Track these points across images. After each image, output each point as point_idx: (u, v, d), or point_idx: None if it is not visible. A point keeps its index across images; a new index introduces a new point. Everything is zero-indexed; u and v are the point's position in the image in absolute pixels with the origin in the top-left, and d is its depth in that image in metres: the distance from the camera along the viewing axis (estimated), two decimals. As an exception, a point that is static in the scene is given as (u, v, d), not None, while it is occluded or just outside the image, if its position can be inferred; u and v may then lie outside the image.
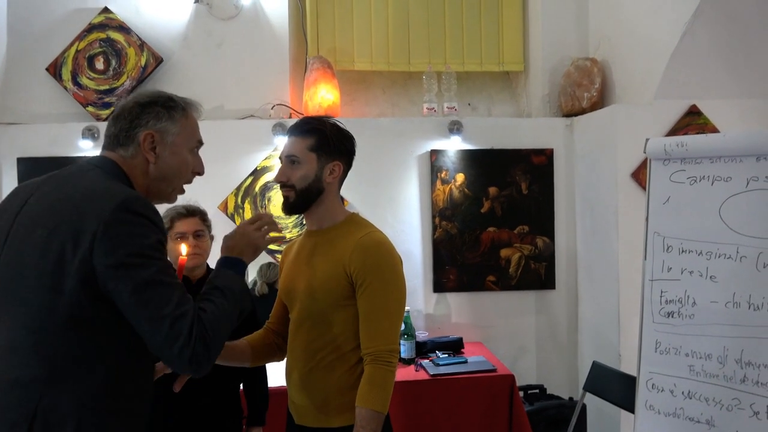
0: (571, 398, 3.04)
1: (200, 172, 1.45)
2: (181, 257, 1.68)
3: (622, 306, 2.87)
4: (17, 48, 3.24)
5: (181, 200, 2.11)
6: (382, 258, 1.61)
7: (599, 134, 3.08)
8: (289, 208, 1.67)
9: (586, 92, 3.26)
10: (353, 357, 1.61)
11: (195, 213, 2.07)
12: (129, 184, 1.31)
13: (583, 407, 2.72)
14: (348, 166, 1.70)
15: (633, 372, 2.54)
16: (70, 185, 1.23)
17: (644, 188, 2.81)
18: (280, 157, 1.69)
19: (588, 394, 2.62)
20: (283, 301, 1.78)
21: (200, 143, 1.44)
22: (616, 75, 3.25)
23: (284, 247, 2.01)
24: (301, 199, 1.64)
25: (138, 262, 1.15)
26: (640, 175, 2.82)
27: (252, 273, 3.21)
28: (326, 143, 1.64)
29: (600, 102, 3.27)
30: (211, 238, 2.13)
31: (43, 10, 3.28)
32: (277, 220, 1.60)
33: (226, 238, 1.45)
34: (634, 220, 2.80)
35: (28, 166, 3.09)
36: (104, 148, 1.35)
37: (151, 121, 1.32)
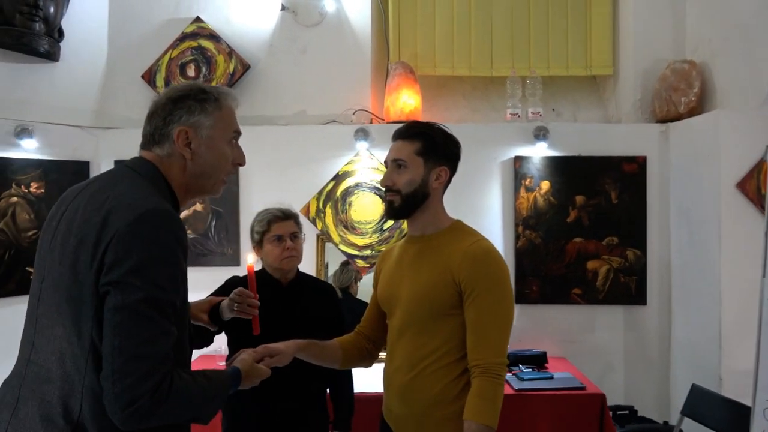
0: (665, 422, 2.85)
1: (241, 163, 1.37)
2: (248, 265, 1.68)
3: (724, 326, 2.66)
4: (116, 57, 3.42)
5: (275, 203, 2.16)
6: (493, 267, 1.57)
7: (700, 141, 2.88)
8: (393, 213, 1.65)
9: (683, 97, 3.07)
10: (458, 368, 1.57)
11: (291, 216, 2.09)
12: (167, 184, 1.26)
13: (680, 433, 2.54)
14: (453, 171, 1.68)
15: (736, 397, 2.35)
16: (104, 194, 1.18)
17: (752, 199, 2.61)
18: (385, 161, 1.68)
19: (685, 419, 2.45)
20: (380, 307, 1.76)
21: (238, 133, 1.35)
22: (717, 78, 3.05)
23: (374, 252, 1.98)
24: (406, 204, 1.61)
25: (130, 282, 1.08)
26: (747, 186, 2.62)
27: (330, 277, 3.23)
28: (434, 148, 1.62)
29: (698, 107, 3.07)
30: (302, 239, 2.15)
31: (140, 21, 3.44)
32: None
33: (244, 366, 1.38)
34: (740, 234, 2.60)
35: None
36: (141, 147, 1.30)
37: (184, 116, 1.26)
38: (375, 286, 1.83)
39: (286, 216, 2.07)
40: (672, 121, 3.14)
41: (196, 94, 1.28)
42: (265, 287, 2.07)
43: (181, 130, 1.26)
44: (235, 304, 1.63)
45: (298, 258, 2.08)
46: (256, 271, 2.11)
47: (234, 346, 2.03)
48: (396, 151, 1.63)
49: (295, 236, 2.07)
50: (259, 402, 1.99)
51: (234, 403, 2.04)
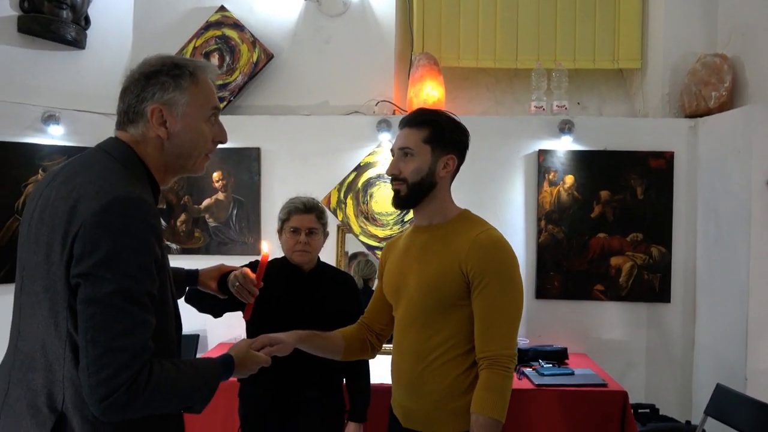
0: (688, 422, 2.81)
1: (222, 141, 1.30)
2: (263, 253, 1.63)
3: (751, 326, 2.61)
4: (141, 45, 3.43)
5: (304, 193, 2.15)
6: (501, 257, 1.53)
7: (730, 137, 2.82)
8: (399, 203, 1.61)
9: (713, 91, 3.00)
10: (467, 360, 1.54)
11: (312, 210, 2.07)
12: (143, 165, 1.21)
13: (702, 433, 2.50)
14: (461, 160, 1.64)
15: (761, 398, 2.31)
16: (74, 181, 1.14)
17: (783, 197, 2.55)
18: (392, 150, 1.64)
19: (709, 419, 2.41)
20: (385, 298, 1.73)
21: (217, 109, 1.28)
22: (750, 73, 2.97)
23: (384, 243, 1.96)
24: (413, 193, 1.58)
25: (100, 274, 1.05)
26: (779, 183, 2.56)
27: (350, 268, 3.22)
28: (441, 135, 1.58)
29: (729, 102, 3.00)
30: (326, 234, 2.14)
31: (165, 10, 3.45)
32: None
33: (238, 353, 1.34)
34: (771, 232, 2.55)
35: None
36: (116, 127, 1.24)
37: (158, 93, 1.19)
38: (380, 277, 1.79)
39: (307, 209, 2.06)
40: (701, 116, 3.07)
41: (170, 69, 1.21)
42: (286, 273, 2.08)
43: (155, 109, 1.19)
44: (237, 283, 1.60)
45: (310, 254, 2.07)
46: (279, 258, 2.13)
47: (252, 336, 2.04)
48: (403, 138, 1.60)
49: (312, 232, 2.06)
50: (278, 390, 2.00)
51: (253, 391, 2.06)
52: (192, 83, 1.22)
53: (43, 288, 1.12)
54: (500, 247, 1.55)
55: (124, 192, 1.10)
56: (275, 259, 2.14)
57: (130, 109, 1.21)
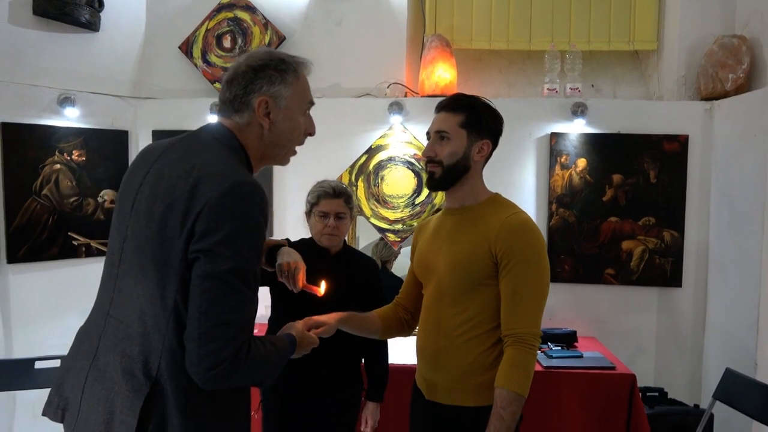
0: (696, 405, 2.81)
1: (312, 133, 1.40)
2: (319, 292, 1.69)
3: (762, 312, 2.59)
4: (154, 28, 3.45)
5: (313, 176, 2.17)
6: (530, 239, 1.57)
7: (747, 120, 2.78)
8: (433, 185, 1.66)
9: (731, 73, 2.95)
10: (491, 338, 1.58)
11: (341, 195, 2.10)
12: (244, 152, 1.29)
13: (710, 417, 2.50)
14: (495, 145, 1.68)
15: (772, 384, 2.30)
16: (189, 162, 1.21)
17: (799, 182, 2.51)
18: (428, 133, 1.68)
19: (717, 403, 2.41)
20: (417, 277, 1.79)
21: (311, 103, 1.39)
22: (768, 55, 2.92)
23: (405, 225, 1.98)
24: (447, 175, 1.62)
25: (220, 252, 1.12)
26: (794, 167, 2.52)
27: (363, 249, 3.25)
28: (478, 120, 1.62)
29: (747, 85, 2.95)
30: (352, 218, 2.17)
31: (178, -8, 3.45)
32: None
33: (297, 333, 1.44)
34: (785, 217, 2.52)
35: (162, 138, 3.27)
36: (220, 113, 1.33)
37: (265, 86, 1.28)
38: (412, 257, 1.85)
39: (336, 194, 2.09)
40: (717, 98, 3.03)
41: (277, 65, 1.30)
42: (313, 255, 2.11)
43: (262, 100, 1.28)
44: (285, 272, 1.63)
45: (338, 237, 2.11)
46: (307, 239, 2.17)
47: (276, 316, 2.10)
48: (440, 122, 1.64)
49: (340, 216, 2.09)
50: (301, 367, 2.04)
51: None
52: (295, 78, 1.32)
53: (153, 260, 1.17)
54: (529, 230, 1.58)
55: (243, 177, 1.19)
56: (303, 240, 2.18)
57: (236, 99, 1.29)
